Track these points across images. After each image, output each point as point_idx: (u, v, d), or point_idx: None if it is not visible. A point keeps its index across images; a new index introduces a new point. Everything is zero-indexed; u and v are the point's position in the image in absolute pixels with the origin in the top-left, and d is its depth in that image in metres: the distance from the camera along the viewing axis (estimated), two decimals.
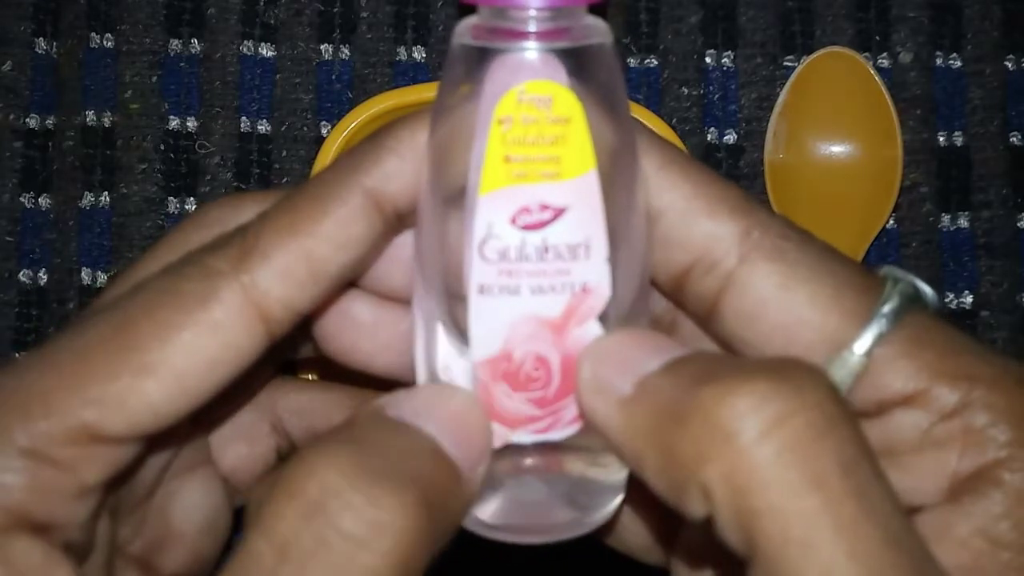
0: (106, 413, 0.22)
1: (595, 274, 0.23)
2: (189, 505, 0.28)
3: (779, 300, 0.23)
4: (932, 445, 0.23)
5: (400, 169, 0.24)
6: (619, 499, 0.25)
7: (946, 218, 0.40)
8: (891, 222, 0.40)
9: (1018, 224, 0.40)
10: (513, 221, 0.23)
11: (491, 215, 0.23)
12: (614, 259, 0.23)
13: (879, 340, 0.23)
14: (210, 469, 0.29)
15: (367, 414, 0.22)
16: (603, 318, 0.23)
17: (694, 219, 0.24)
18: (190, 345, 0.23)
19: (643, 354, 0.22)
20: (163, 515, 0.28)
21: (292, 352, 0.29)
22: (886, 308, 0.23)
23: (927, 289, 0.24)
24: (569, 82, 0.23)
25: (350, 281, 0.26)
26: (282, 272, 0.23)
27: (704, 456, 0.20)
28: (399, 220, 0.25)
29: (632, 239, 0.24)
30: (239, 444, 0.30)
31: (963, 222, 0.40)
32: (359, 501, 0.20)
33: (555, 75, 0.23)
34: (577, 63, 0.23)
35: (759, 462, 0.19)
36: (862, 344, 0.23)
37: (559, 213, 0.23)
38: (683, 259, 0.24)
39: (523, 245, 0.23)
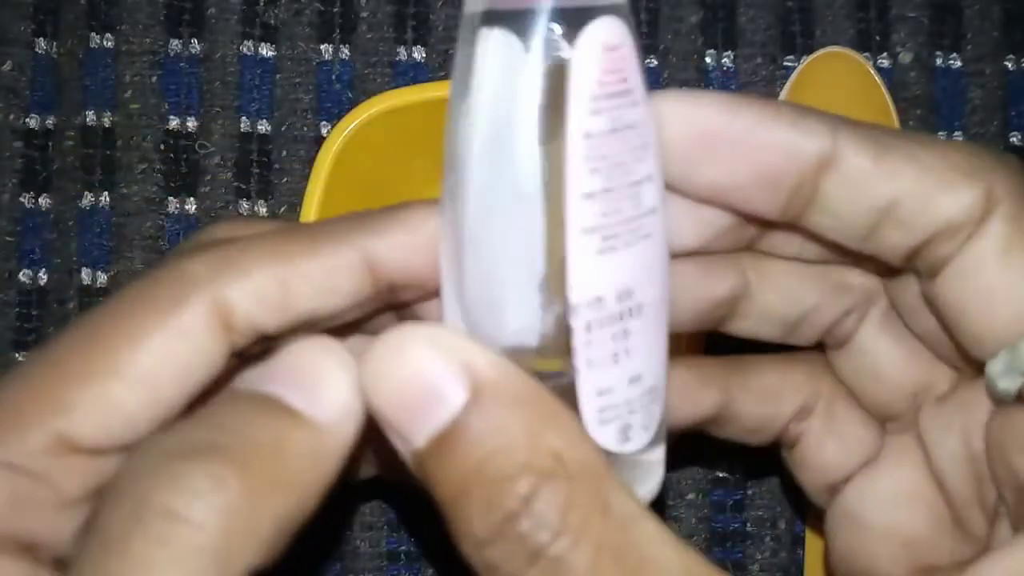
0: (77, 420, 0.22)
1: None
2: None
3: (999, 266, 0.23)
4: None
5: (405, 243, 0.24)
6: (662, 474, 0.25)
7: None
8: None
9: None
10: None
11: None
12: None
13: None
14: None
15: (220, 396, 0.22)
16: None
17: (931, 198, 0.23)
18: (159, 349, 0.22)
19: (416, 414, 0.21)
20: None
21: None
22: None
23: None
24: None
25: (326, 327, 0.25)
26: (253, 291, 0.23)
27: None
28: (391, 292, 0.24)
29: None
30: None
31: None
32: (166, 478, 0.20)
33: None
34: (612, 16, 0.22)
35: None
36: None
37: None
38: (922, 236, 0.24)
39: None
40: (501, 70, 0.22)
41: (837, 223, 0.24)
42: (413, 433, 0.21)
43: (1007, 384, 0.23)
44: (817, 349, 0.29)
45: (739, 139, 0.24)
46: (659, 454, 0.25)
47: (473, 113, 0.22)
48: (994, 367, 0.23)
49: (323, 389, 0.22)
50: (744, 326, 0.28)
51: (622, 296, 0.22)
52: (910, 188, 0.23)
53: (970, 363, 0.25)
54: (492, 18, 0.22)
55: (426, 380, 0.21)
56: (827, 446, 0.28)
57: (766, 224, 0.26)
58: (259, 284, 0.23)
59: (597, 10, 0.22)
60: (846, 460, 0.28)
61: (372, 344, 0.21)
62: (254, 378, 0.22)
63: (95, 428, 0.22)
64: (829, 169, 0.24)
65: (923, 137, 0.25)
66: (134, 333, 0.22)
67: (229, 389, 0.22)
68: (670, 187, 0.25)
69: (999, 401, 0.24)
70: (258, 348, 0.24)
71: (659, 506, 0.39)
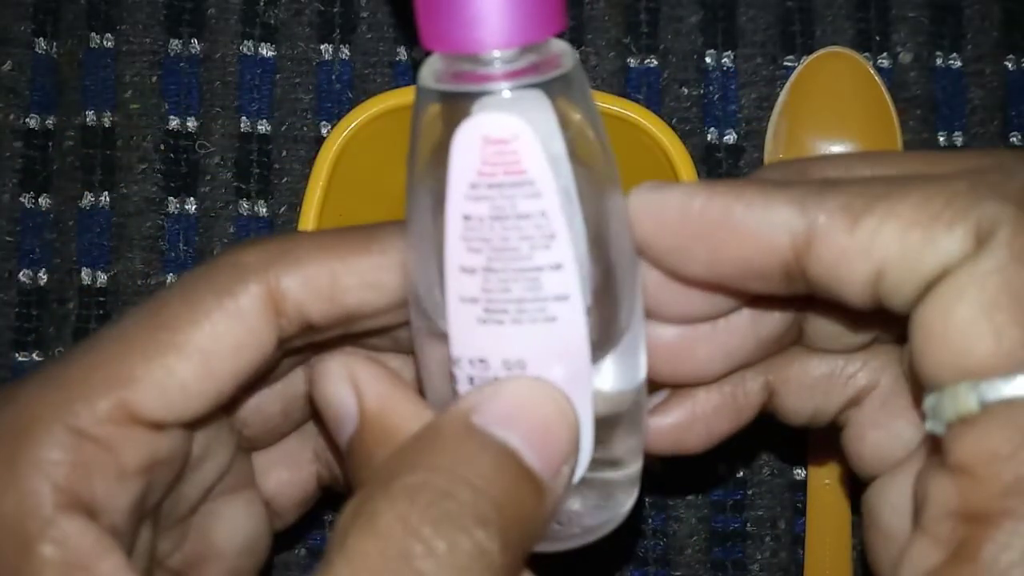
0: (140, 391, 0.23)
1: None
2: (231, 525, 0.29)
3: (946, 308, 0.22)
4: None
5: None
6: (636, 491, 0.26)
7: None
8: None
9: None
10: None
11: None
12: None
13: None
14: (254, 492, 0.29)
15: (453, 423, 0.23)
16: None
17: (914, 258, 0.22)
18: (216, 328, 0.24)
19: None
20: (204, 533, 0.28)
21: None
22: None
23: None
24: (552, 114, 0.23)
25: (367, 327, 0.26)
26: (304, 280, 0.25)
27: None
28: None
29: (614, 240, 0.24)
30: (281, 469, 0.30)
31: None
32: (441, 547, 0.20)
33: (533, 111, 0.23)
34: (554, 93, 0.23)
35: None
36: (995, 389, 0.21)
37: None
38: (916, 292, 0.23)
39: None
40: (432, 144, 0.24)
41: (837, 296, 0.24)
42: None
43: (931, 427, 0.22)
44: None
45: (710, 234, 0.24)
46: (625, 477, 0.26)
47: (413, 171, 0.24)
48: (925, 405, 0.23)
49: (553, 455, 0.23)
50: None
51: (510, 365, 0.24)
52: (891, 256, 0.22)
53: None
54: (432, 94, 0.23)
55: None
56: (868, 438, 0.28)
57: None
58: (310, 273, 0.25)
59: (541, 85, 0.23)
60: (886, 455, 0.27)
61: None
62: (493, 415, 0.23)
63: (156, 399, 0.24)
64: (808, 252, 0.23)
65: (912, 168, 0.24)
66: (193, 312, 0.24)
67: (462, 416, 0.23)
68: (672, 275, 0.25)
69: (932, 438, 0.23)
70: (302, 341, 0.26)
71: (660, 506, 0.39)
